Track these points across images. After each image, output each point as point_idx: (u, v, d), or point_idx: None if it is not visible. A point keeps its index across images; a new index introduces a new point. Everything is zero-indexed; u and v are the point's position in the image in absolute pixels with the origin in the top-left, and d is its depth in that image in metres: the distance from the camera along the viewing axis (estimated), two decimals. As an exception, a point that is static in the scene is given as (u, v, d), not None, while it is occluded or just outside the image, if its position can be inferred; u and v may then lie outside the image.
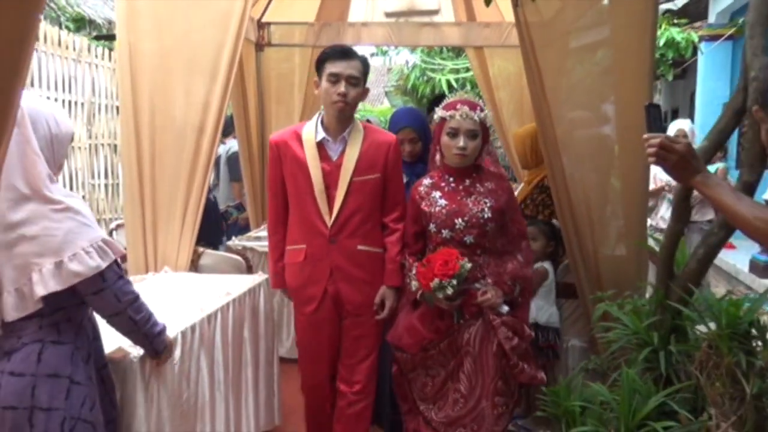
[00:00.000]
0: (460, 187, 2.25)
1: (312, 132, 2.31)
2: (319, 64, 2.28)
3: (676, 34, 6.23)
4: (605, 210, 2.85)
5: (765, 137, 1.68)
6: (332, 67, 2.22)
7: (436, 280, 2.08)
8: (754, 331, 1.76)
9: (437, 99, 3.49)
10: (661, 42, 6.13)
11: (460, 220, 2.19)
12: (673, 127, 5.99)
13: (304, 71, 4.88)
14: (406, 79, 8.87)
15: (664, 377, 1.95)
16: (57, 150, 1.53)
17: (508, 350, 2.16)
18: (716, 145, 1.87)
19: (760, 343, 1.75)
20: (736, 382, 1.70)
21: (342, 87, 2.22)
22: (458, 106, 2.17)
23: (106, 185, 6.47)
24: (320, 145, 2.31)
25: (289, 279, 2.41)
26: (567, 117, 2.78)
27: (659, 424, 1.84)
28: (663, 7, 6.84)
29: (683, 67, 6.25)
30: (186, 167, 2.97)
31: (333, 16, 4.84)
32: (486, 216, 2.19)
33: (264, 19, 4.76)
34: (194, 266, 3.07)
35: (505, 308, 2.21)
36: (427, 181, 2.31)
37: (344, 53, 2.25)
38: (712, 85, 7.20)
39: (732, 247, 5.87)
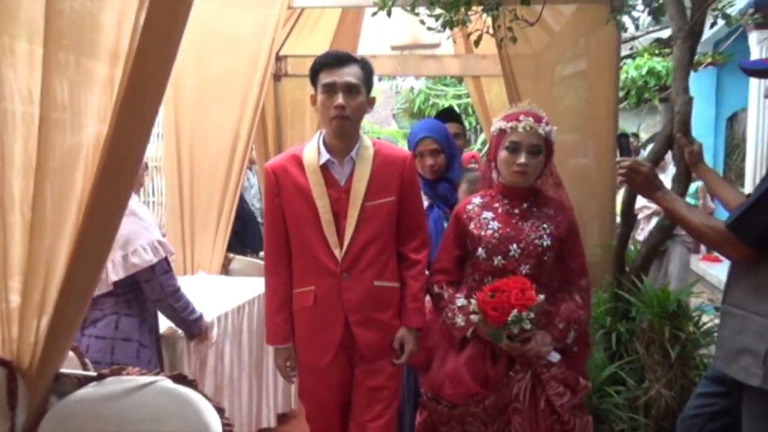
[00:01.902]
0: (516, 210, 1.94)
1: (314, 154, 1.96)
2: (313, 76, 1.94)
3: (657, 63, 6.78)
4: (580, 221, 3.30)
5: (687, 158, 2.15)
6: (326, 77, 1.88)
7: (515, 312, 1.75)
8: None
9: (444, 112, 3.19)
10: (644, 71, 6.70)
11: (515, 246, 1.87)
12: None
13: (316, 99, 5.39)
14: (412, 103, 9.45)
15: (617, 353, 2.40)
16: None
17: (558, 408, 1.85)
18: (655, 163, 2.34)
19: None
20: (666, 351, 2.14)
21: (339, 98, 1.86)
22: (521, 118, 1.87)
23: (153, 202, 6.98)
24: (324, 169, 1.94)
25: (298, 329, 2.01)
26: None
27: (611, 389, 2.30)
28: (652, 36, 7.33)
29: (666, 93, 6.74)
30: (219, 186, 3.46)
31: (344, 49, 5.34)
32: (545, 244, 1.88)
33: (282, 53, 5.28)
34: (225, 270, 3.54)
35: (556, 357, 1.87)
36: (477, 199, 2.00)
37: (339, 59, 1.90)
38: (699, 109, 7.66)
39: (718, 260, 6.30)
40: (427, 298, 2.06)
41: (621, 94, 8.22)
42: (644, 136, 9.62)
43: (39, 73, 1.33)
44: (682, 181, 2.25)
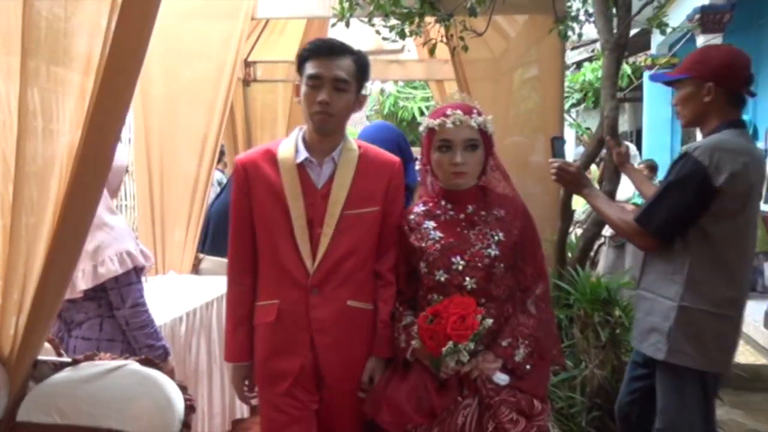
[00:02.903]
0: (461, 216, 1.74)
1: (291, 151, 1.76)
2: (300, 64, 1.74)
3: None
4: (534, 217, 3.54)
5: (615, 159, 2.37)
6: (313, 67, 1.68)
7: (450, 343, 1.56)
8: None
9: None
10: (600, 74, 7.11)
11: (458, 258, 1.68)
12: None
13: (286, 102, 5.55)
14: (382, 105, 9.65)
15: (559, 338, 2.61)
16: (112, 180, 2.07)
17: None
18: (586, 165, 2.56)
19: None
20: (598, 335, 2.36)
21: (324, 93, 1.67)
22: (448, 112, 1.69)
23: (126, 206, 7.03)
24: (301, 169, 1.75)
25: (257, 347, 1.80)
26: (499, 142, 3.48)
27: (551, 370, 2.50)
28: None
29: (624, 94, 7.06)
30: (188, 189, 3.60)
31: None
32: (493, 254, 1.68)
33: (250, 59, 5.43)
34: (195, 270, 3.69)
35: (503, 378, 1.64)
36: (419, 208, 1.82)
37: (330, 49, 1.70)
38: (656, 108, 8.03)
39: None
40: None
41: (579, 96, 8.60)
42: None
43: (16, 82, 1.47)
44: (612, 179, 2.47)
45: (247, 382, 1.84)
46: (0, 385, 1.52)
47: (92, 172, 1.51)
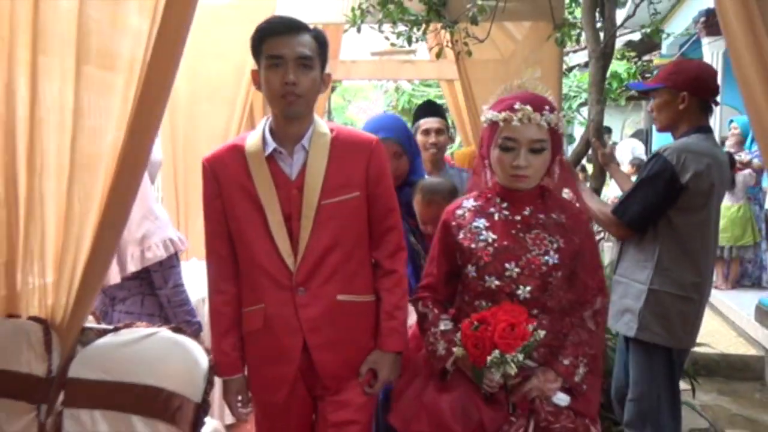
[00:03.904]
0: (517, 217, 1.59)
1: (258, 143, 1.65)
2: (255, 48, 1.62)
3: (619, 66, 7.34)
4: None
5: (600, 159, 2.59)
6: (272, 48, 1.56)
7: (497, 352, 1.43)
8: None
9: (424, 106, 3.04)
10: (607, 73, 7.33)
11: (513, 264, 1.54)
12: (625, 145, 6.97)
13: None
14: (397, 102, 9.92)
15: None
16: (150, 171, 2.38)
17: None
18: (575, 163, 2.77)
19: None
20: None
21: (290, 73, 1.54)
22: (517, 106, 1.50)
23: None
24: (271, 161, 1.64)
25: (249, 357, 1.72)
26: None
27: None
28: (625, 38, 7.79)
29: (629, 94, 7.24)
30: (210, 180, 3.88)
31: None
32: (551, 262, 1.54)
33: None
34: (216, 257, 3.96)
35: (564, 399, 1.53)
36: (468, 203, 1.66)
37: (288, 26, 1.57)
38: (666, 108, 8.17)
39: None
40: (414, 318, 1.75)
41: (587, 95, 8.71)
42: (629, 131, 10.16)
43: (71, 85, 1.72)
44: (598, 177, 2.68)
45: (240, 398, 1.72)
46: (54, 348, 1.80)
47: (132, 167, 1.76)
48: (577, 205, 1.71)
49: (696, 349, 3.77)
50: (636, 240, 2.16)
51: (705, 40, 5.92)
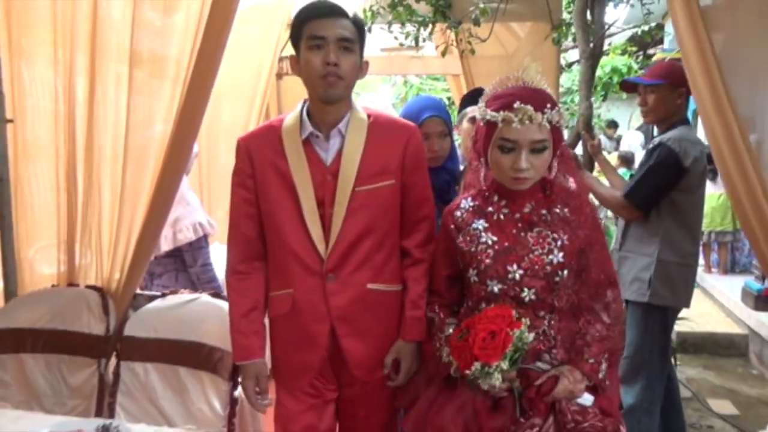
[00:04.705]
0: (517, 215, 1.52)
1: (295, 126, 1.62)
2: (295, 31, 1.59)
3: (620, 62, 7.61)
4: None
5: (590, 150, 2.85)
6: (315, 29, 1.54)
7: (477, 364, 1.37)
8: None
9: (475, 94, 2.48)
10: (607, 69, 7.54)
11: (515, 266, 1.47)
12: (628, 136, 7.23)
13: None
14: (406, 95, 10.17)
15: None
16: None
17: None
18: (567, 154, 3.03)
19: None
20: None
21: (331, 54, 1.52)
22: (516, 105, 1.40)
23: None
24: (307, 145, 1.61)
25: (274, 342, 1.71)
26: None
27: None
28: (628, 33, 8.01)
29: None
30: (230, 173, 4.16)
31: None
32: (555, 261, 1.46)
33: (283, 54, 5.97)
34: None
35: (589, 399, 1.46)
36: (467, 202, 1.59)
37: (331, 9, 1.56)
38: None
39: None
40: None
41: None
42: (635, 124, 10.40)
43: (125, 88, 2.02)
44: (587, 166, 2.94)
45: (259, 386, 1.65)
46: (111, 312, 2.11)
47: (177, 157, 2.05)
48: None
49: (685, 328, 4.06)
50: (641, 220, 2.44)
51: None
